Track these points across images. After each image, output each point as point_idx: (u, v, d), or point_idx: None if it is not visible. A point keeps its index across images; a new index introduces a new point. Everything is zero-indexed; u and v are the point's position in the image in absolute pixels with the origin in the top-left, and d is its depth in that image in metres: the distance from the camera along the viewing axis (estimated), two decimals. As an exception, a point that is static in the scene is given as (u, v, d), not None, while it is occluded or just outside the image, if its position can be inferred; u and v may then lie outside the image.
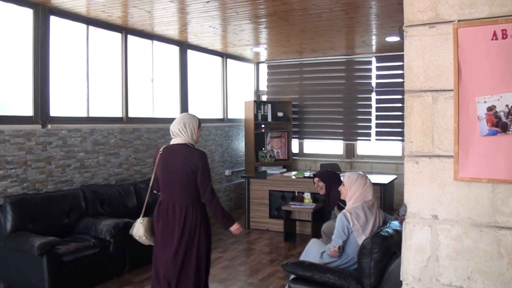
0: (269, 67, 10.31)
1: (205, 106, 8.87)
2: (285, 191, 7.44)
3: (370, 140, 9.32)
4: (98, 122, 6.34)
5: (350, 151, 9.55)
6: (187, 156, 3.68)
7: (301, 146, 10.16)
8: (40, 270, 4.51)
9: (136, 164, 6.94)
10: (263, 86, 10.57)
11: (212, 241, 4.06)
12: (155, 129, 7.32)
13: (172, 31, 7.09)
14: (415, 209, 1.77)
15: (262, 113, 9.41)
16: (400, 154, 8.99)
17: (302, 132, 10.01)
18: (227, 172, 9.21)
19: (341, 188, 4.28)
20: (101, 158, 6.31)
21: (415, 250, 1.77)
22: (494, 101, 1.64)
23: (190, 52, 8.26)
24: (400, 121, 8.82)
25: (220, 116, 9.40)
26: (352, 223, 3.84)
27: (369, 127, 9.30)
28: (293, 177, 7.53)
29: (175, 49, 7.97)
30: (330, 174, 6.02)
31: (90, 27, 6.26)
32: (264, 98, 10.52)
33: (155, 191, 3.95)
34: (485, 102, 1.65)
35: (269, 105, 9.53)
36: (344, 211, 3.97)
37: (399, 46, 7.92)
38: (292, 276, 3.89)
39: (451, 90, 1.70)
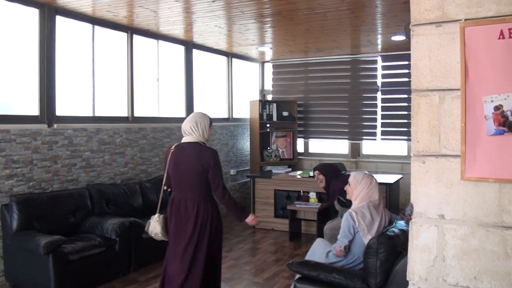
0: (274, 66, 10.29)
1: (211, 106, 8.87)
2: (290, 191, 7.44)
3: (375, 139, 9.29)
4: (103, 121, 6.35)
5: (355, 150, 9.53)
6: (199, 154, 3.75)
7: (306, 145, 10.14)
8: (46, 269, 4.52)
9: (142, 164, 6.96)
10: (268, 86, 10.56)
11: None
12: (161, 128, 7.34)
13: (178, 31, 7.10)
14: (422, 208, 1.76)
15: (267, 112, 9.40)
16: (405, 154, 8.96)
17: (307, 132, 10.00)
18: (232, 172, 9.21)
19: (347, 188, 4.28)
20: (106, 157, 6.33)
21: (422, 250, 1.76)
22: (501, 100, 1.63)
23: (195, 52, 8.27)
24: (405, 121, 8.79)
25: (225, 116, 9.40)
26: (358, 223, 3.84)
27: (375, 127, 9.27)
28: (298, 176, 7.52)
29: (181, 48, 7.98)
30: (330, 167, 6.03)
31: (96, 27, 6.27)
32: (269, 97, 10.52)
33: (165, 187, 4.00)
34: (492, 101, 1.64)
35: (274, 104, 9.52)
36: (350, 210, 3.97)
37: (405, 45, 7.90)
38: (297, 276, 3.89)
39: (458, 89, 1.69)
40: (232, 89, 9.56)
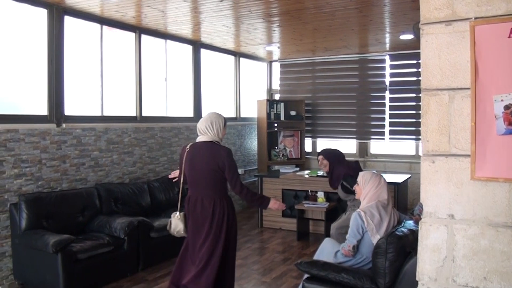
0: (282, 65, 10.29)
1: (218, 105, 8.88)
2: (298, 190, 7.43)
3: (383, 139, 9.26)
4: (112, 121, 6.38)
5: (363, 150, 9.51)
6: (214, 153, 3.84)
7: (314, 145, 10.13)
8: (54, 268, 4.55)
9: (150, 163, 6.98)
10: (276, 85, 10.56)
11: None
12: (169, 128, 7.35)
13: (186, 31, 7.11)
14: (432, 208, 1.75)
15: (275, 112, 9.40)
16: (414, 153, 8.93)
17: (315, 131, 9.98)
18: (240, 171, 9.20)
19: (355, 187, 4.26)
20: (115, 157, 6.36)
21: (431, 250, 1.75)
22: (511, 99, 1.62)
23: (203, 51, 8.28)
24: (413, 120, 8.75)
25: (233, 115, 9.40)
26: (367, 223, 3.82)
27: (383, 126, 9.23)
28: (306, 176, 7.51)
29: (189, 48, 7.99)
30: (334, 152, 6.04)
31: (104, 27, 6.30)
32: (277, 97, 10.52)
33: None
34: (502, 100, 1.63)
35: (282, 103, 9.52)
36: (358, 210, 3.95)
37: (413, 44, 7.86)
38: (306, 276, 3.89)
39: (468, 88, 1.68)
40: (240, 88, 9.57)
